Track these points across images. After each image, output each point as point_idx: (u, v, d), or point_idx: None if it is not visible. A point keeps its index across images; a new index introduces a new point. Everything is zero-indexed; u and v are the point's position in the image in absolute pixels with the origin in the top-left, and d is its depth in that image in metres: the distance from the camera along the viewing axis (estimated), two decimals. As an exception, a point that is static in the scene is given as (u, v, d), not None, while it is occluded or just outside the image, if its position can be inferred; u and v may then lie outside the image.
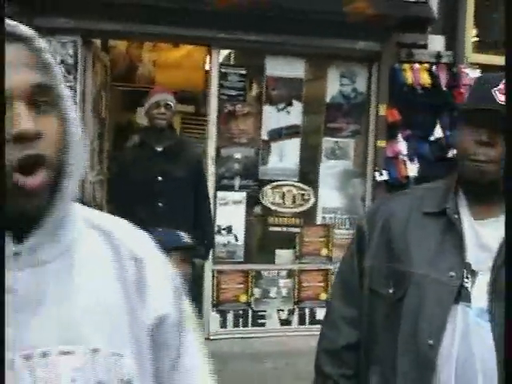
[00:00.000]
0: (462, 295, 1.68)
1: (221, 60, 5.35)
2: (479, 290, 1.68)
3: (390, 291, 1.77)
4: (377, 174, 5.26)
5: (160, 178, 4.10)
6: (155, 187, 4.09)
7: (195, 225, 4.13)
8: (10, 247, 0.98)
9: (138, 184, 4.08)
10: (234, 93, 5.24)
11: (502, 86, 1.70)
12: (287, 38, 5.08)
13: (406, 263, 1.76)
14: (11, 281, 0.97)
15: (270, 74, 5.31)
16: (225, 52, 5.52)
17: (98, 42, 5.40)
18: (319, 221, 5.51)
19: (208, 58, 6.65)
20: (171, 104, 4.24)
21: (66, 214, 1.05)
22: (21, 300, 0.98)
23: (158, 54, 7.01)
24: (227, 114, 5.28)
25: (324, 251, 5.49)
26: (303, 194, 5.44)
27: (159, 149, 4.19)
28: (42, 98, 0.96)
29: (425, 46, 5.24)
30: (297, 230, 5.46)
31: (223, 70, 5.24)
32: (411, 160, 5.24)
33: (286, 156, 5.38)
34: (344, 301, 1.91)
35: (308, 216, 5.48)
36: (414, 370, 1.68)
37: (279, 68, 5.30)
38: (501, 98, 1.67)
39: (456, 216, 1.74)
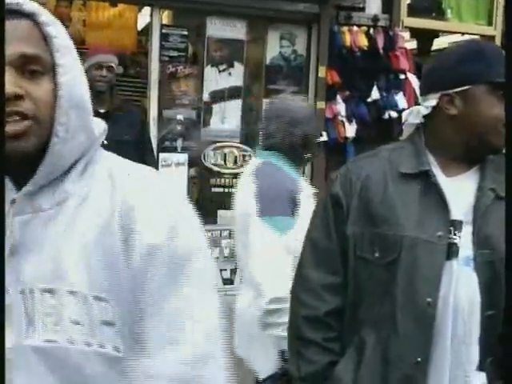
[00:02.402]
0: (451, 251, 1.77)
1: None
2: (464, 240, 1.79)
3: (377, 255, 1.82)
4: (316, 134, 5.36)
5: (105, 142, 4.02)
6: None
7: None
8: (10, 194, 1.14)
9: None
10: (175, 54, 5.20)
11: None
12: (228, -1, 5.08)
13: (393, 227, 1.80)
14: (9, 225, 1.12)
15: (211, 34, 5.29)
16: (165, 12, 5.43)
17: None
18: (260, 181, 5.58)
19: (141, 17, 6.55)
20: (114, 66, 4.11)
21: (65, 168, 1.18)
22: (17, 243, 1.14)
23: (88, 13, 6.79)
24: (169, 75, 5.24)
25: (266, 211, 5.57)
26: (244, 155, 5.49)
27: (102, 110, 4.03)
28: (33, 66, 1.12)
29: (362, 9, 5.35)
30: (238, 190, 5.51)
31: (164, 31, 5.18)
32: (349, 121, 5.38)
33: (227, 117, 5.41)
34: (322, 269, 1.91)
35: (250, 177, 5.54)
36: (414, 327, 1.76)
37: (220, 29, 5.29)
38: None
39: (434, 177, 1.82)
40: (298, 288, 1.98)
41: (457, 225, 1.79)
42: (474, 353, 1.77)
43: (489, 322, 1.75)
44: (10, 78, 1.09)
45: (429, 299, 1.74)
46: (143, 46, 7.18)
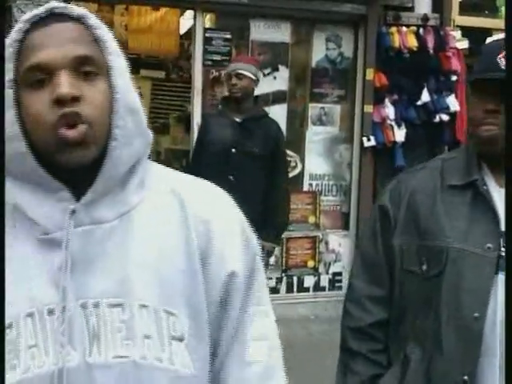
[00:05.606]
0: (500, 265, 1.67)
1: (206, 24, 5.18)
2: None
3: (424, 268, 1.76)
4: (364, 139, 5.20)
5: (234, 150, 3.91)
6: (228, 159, 3.90)
7: (268, 203, 3.96)
8: (68, 205, 1.10)
9: (213, 154, 3.90)
10: (218, 58, 5.09)
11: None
12: (272, 1, 4.95)
13: (439, 239, 1.73)
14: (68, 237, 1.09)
15: (255, 37, 5.17)
16: (208, 16, 5.32)
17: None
18: (306, 187, 5.45)
19: (183, 21, 6.49)
20: (245, 73, 3.96)
21: (127, 178, 1.15)
22: (77, 255, 1.10)
23: (130, 17, 6.78)
24: (212, 79, 5.14)
25: (311, 218, 5.44)
26: (290, 161, 5.35)
27: (238, 120, 3.97)
28: (88, 67, 1.10)
29: (411, 9, 5.18)
30: (284, 197, 5.38)
31: (207, 35, 5.08)
32: (398, 125, 5.20)
33: (272, 122, 5.28)
34: (369, 280, 1.89)
35: (295, 183, 5.40)
36: (460, 343, 1.67)
37: (264, 32, 5.16)
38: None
39: (485, 187, 1.72)
40: (346, 298, 1.96)
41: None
42: None
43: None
44: (65, 79, 1.07)
45: (476, 314, 1.64)
46: (185, 51, 7.13)
